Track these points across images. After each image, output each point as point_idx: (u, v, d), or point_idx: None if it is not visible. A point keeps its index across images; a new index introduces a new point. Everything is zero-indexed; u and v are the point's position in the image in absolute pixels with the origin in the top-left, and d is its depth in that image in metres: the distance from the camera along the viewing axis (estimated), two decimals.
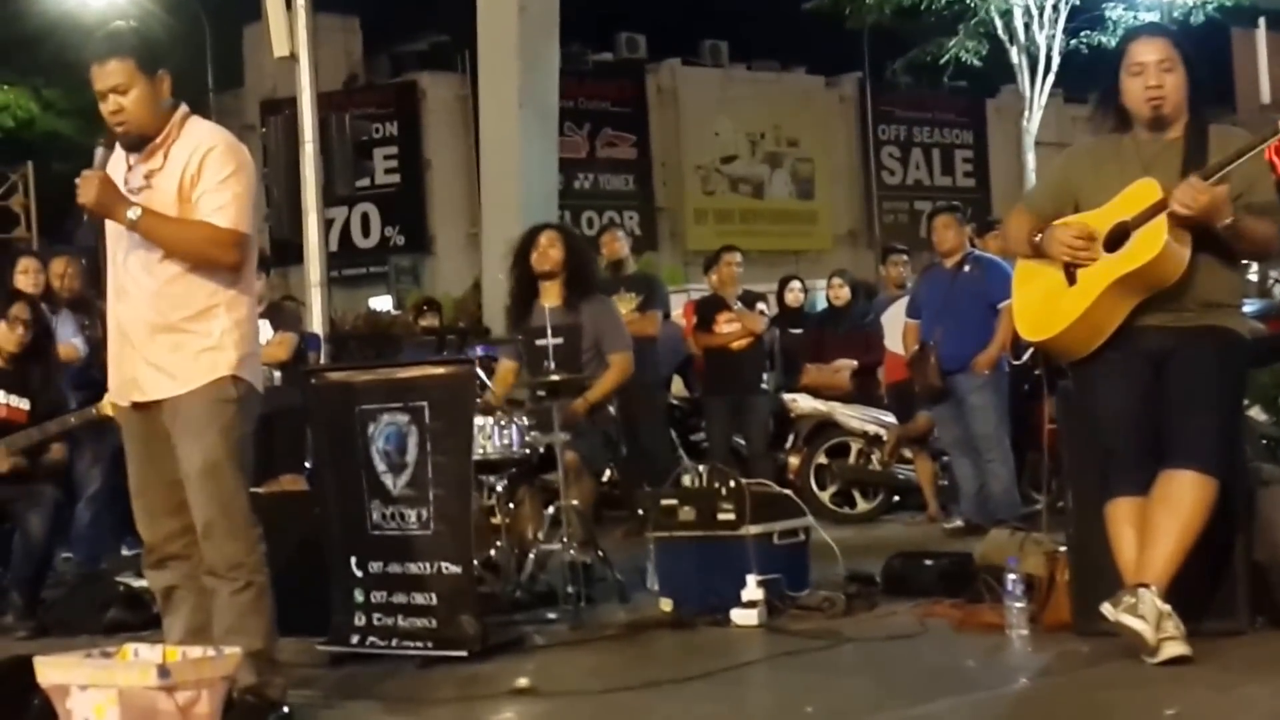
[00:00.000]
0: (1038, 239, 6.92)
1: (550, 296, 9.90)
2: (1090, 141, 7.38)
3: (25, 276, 11.85)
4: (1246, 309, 8.37)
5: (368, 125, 39.86)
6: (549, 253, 9.97)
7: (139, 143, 6.29)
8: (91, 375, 11.08)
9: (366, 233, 39.51)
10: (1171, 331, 6.71)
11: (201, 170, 6.22)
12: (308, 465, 9.48)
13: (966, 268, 12.28)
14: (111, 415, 7.39)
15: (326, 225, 15.99)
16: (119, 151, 6.35)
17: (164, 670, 4.66)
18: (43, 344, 10.46)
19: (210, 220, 6.19)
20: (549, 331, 9.49)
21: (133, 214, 6.15)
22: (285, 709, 6.30)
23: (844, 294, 15.90)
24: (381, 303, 33.78)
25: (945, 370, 12.23)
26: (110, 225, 6.37)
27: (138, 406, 6.43)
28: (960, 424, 12.31)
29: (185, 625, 6.38)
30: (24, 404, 9.98)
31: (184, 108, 6.41)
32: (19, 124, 38.44)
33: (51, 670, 4.90)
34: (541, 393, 9.23)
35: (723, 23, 42.88)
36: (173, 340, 6.28)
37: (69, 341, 11.87)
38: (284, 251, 21.43)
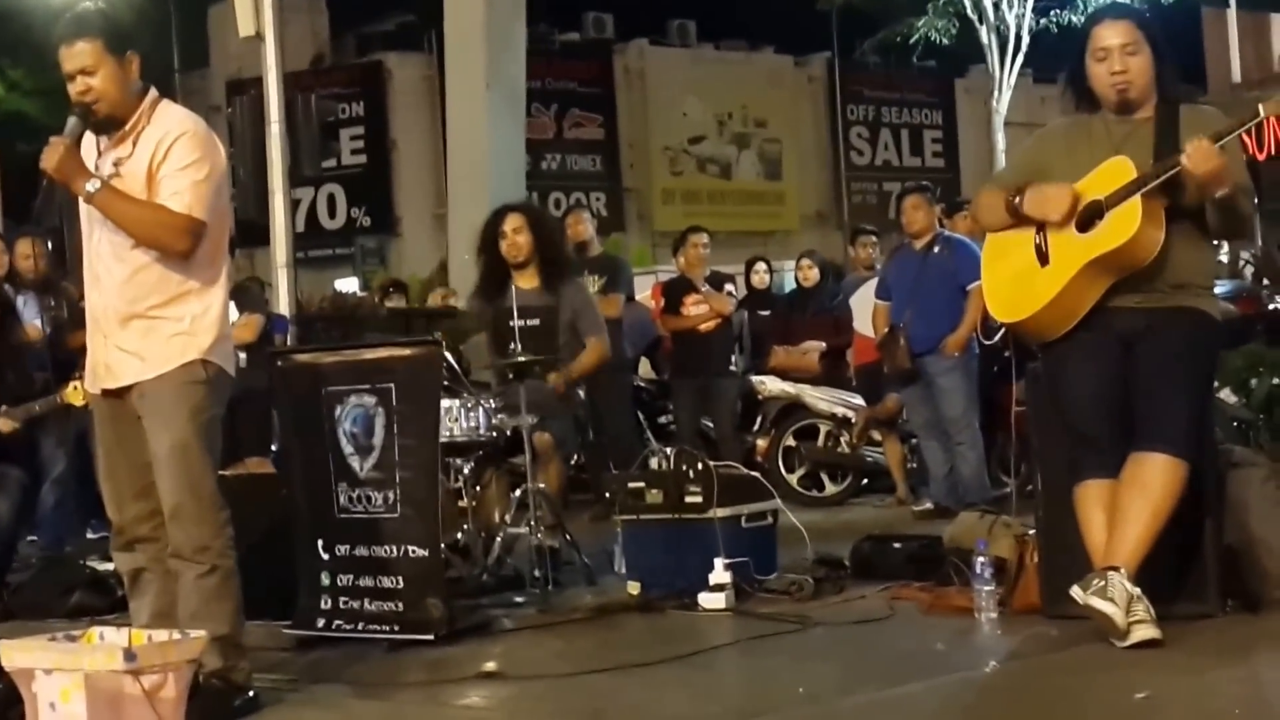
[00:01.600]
0: (1017, 200, 6.89)
1: (526, 279, 9.90)
2: (1062, 122, 7.40)
3: None
4: (1218, 290, 8.39)
5: (334, 106, 39.81)
6: (517, 241, 9.99)
7: (108, 125, 6.32)
8: (55, 357, 11.08)
9: (333, 214, 39.48)
10: (1143, 312, 6.73)
11: (168, 155, 6.26)
12: (274, 448, 9.46)
13: (936, 249, 12.30)
14: (74, 402, 7.40)
15: (293, 206, 15.99)
16: (90, 138, 6.38)
17: (130, 654, 4.67)
18: (6, 326, 10.46)
19: (166, 204, 6.22)
20: (520, 313, 9.46)
21: (91, 185, 6.19)
22: (251, 693, 6.31)
23: (812, 275, 15.93)
24: (348, 284, 33.76)
25: (915, 352, 12.26)
26: (83, 210, 6.40)
27: (108, 393, 6.45)
28: (929, 406, 12.33)
29: (152, 608, 6.40)
30: None
31: (154, 92, 6.45)
32: None
33: (16, 654, 4.90)
34: (510, 374, 9.23)
35: (691, 2, 42.95)
36: (144, 325, 6.33)
37: (33, 323, 11.87)
38: (250, 232, 21.36)
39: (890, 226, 19.34)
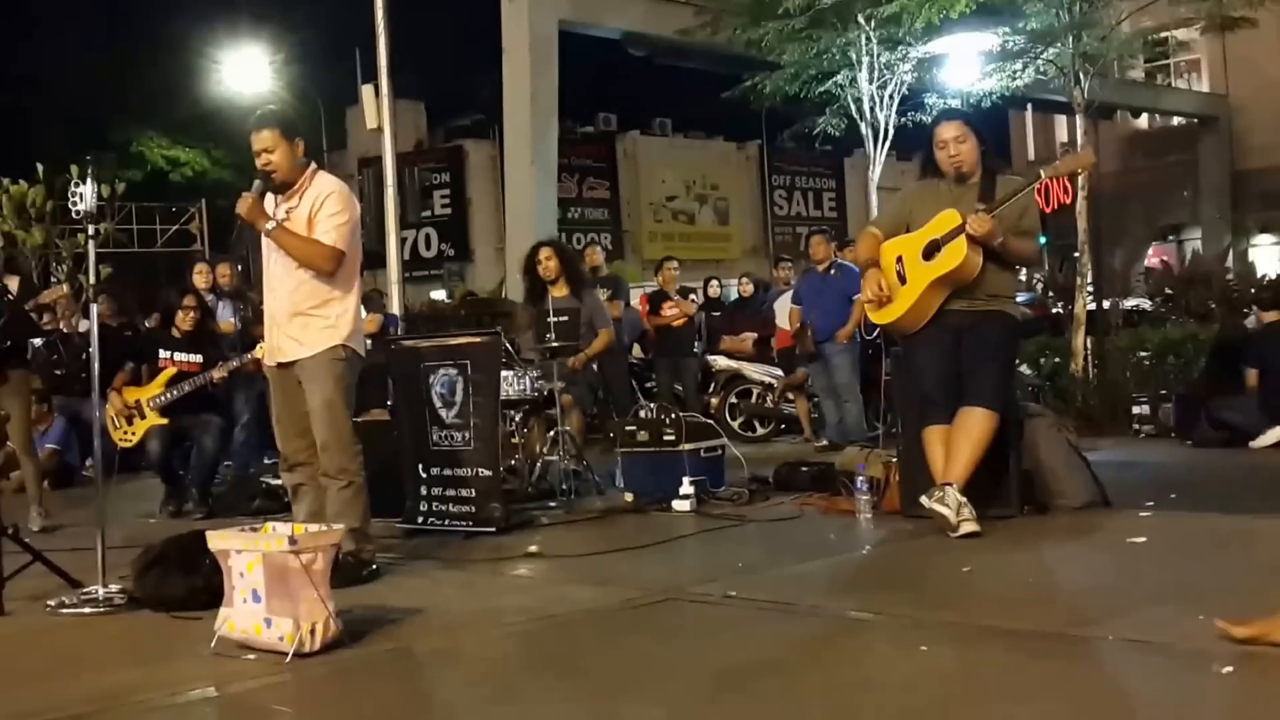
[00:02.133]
0: (868, 272, 7.05)
1: (558, 290, 9.89)
2: (916, 184, 7.40)
3: (199, 276, 11.87)
4: (1019, 299, 8.42)
5: (430, 175, 39.90)
6: (548, 265, 9.95)
7: (281, 188, 6.38)
8: (244, 342, 11.08)
9: (429, 247, 39.36)
10: (968, 313, 6.77)
11: (322, 207, 6.35)
12: (389, 403, 9.44)
13: (832, 271, 12.30)
14: (261, 363, 7.38)
15: (401, 242, 15.90)
16: (270, 196, 6.43)
17: (293, 539, 4.65)
18: (206, 321, 10.48)
19: (321, 240, 6.28)
20: (554, 313, 9.45)
21: (269, 225, 6.33)
22: (374, 566, 6.34)
23: (748, 289, 15.99)
24: (438, 294, 33.63)
25: (816, 340, 12.27)
26: (264, 243, 6.44)
27: (280, 366, 6.48)
28: (826, 376, 12.34)
29: (307, 510, 6.43)
30: (196, 359, 9.97)
31: (313, 164, 6.55)
32: (196, 174, 38.30)
33: (218, 540, 4.88)
34: (546, 355, 9.24)
35: (667, 105, 42.82)
36: (303, 321, 6.39)
37: (228, 320, 11.88)
38: (372, 259, 21.36)
39: (800, 256, 19.29)
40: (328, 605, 4.69)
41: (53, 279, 16.10)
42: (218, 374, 9.75)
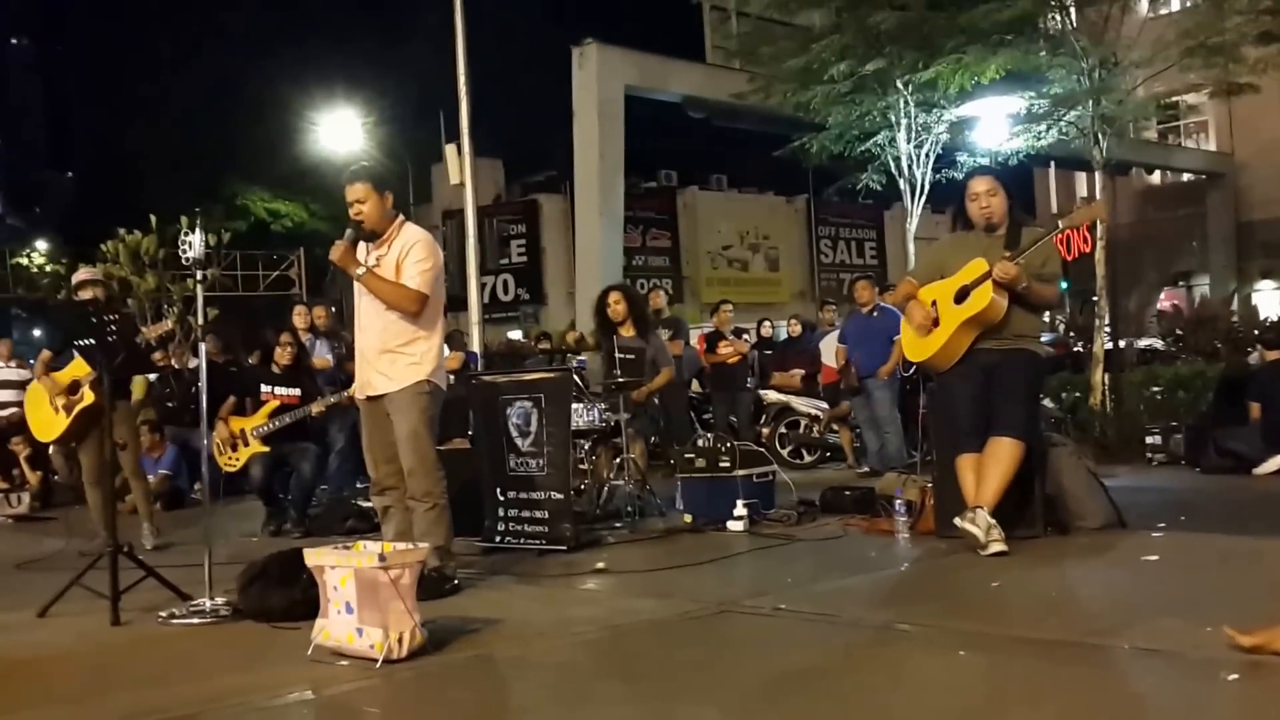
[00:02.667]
0: (904, 307, 7.10)
1: (625, 330, 9.90)
2: (950, 236, 7.38)
3: (298, 317, 12.02)
4: (1043, 338, 8.39)
5: (507, 226, 40.06)
6: (616, 308, 9.95)
7: (371, 236, 6.43)
8: (338, 378, 11.19)
9: (506, 291, 39.44)
10: (997, 351, 6.76)
11: (408, 254, 6.39)
12: (470, 433, 9.48)
13: (875, 314, 12.26)
14: (352, 401, 7.45)
15: (481, 287, 15.98)
16: (362, 245, 6.47)
17: (383, 556, 4.68)
18: (303, 358, 10.60)
19: (407, 284, 6.32)
20: (621, 351, 9.46)
21: (359, 271, 6.38)
22: (456, 581, 6.35)
23: (797, 329, 15.92)
24: (515, 334, 33.76)
25: (860, 376, 12.25)
26: (355, 287, 6.49)
27: (370, 399, 6.52)
28: (868, 409, 12.30)
29: (395, 531, 6.46)
30: (295, 392, 10.08)
31: (401, 216, 6.58)
32: (295, 225, 38.75)
33: (314, 556, 4.92)
34: (614, 387, 9.25)
35: (723, 163, 42.91)
36: (391, 357, 6.43)
37: (323, 356, 12.00)
38: (455, 303, 21.48)
39: (844, 300, 19.21)
40: (414, 616, 4.71)
41: (165, 319, 16.26)
42: (317, 409, 9.84)
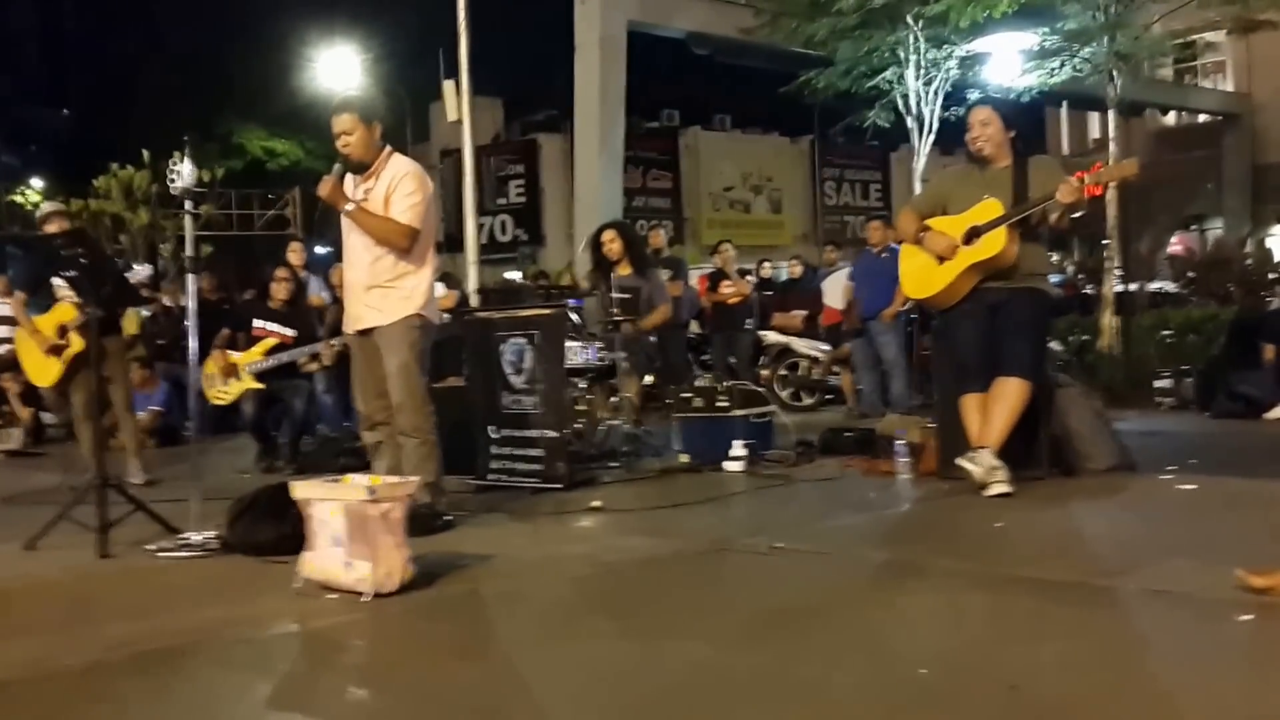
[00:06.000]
0: (922, 236, 6.88)
1: (623, 268, 9.83)
2: (954, 169, 7.35)
3: (294, 254, 11.99)
4: (1052, 279, 8.33)
5: (506, 165, 39.89)
6: (611, 246, 9.88)
7: (360, 168, 6.36)
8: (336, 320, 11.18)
9: (504, 232, 39.34)
10: (1005, 290, 6.70)
11: (397, 187, 6.33)
12: (464, 370, 9.44)
13: (884, 254, 12.18)
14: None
15: (479, 227, 15.92)
16: (350, 178, 6.40)
17: (372, 490, 4.65)
18: (299, 297, 10.56)
19: (397, 219, 6.27)
20: (618, 290, 9.39)
21: (348, 206, 6.34)
22: (447, 517, 6.34)
23: (798, 270, 15.90)
24: (513, 275, 33.69)
25: (863, 317, 12.22)
26: (344, 222, 6.43)
27: (359, 333, 6.49)
28: (867, 350, 12.29)
29: (386, 466, 6.43)
30: (291, 332, 10.03)
31: (389, 148, 6.51)
32: (291, 163, 38.61)
33: (301, 490, 4.89)
34: (609, 327, 9.21)
35: (727, 103, 42.70)
36: (381, 292, 6.40)
37: (319, 295, 11.96)
38: (453, 242, 21.46)
39: (848, 243, 19.13)
40: (403, 550, 4.69)
41: (159, 257, 16.25)
42: (328, 356, 9.79)
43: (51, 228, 8.71)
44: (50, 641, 4.23)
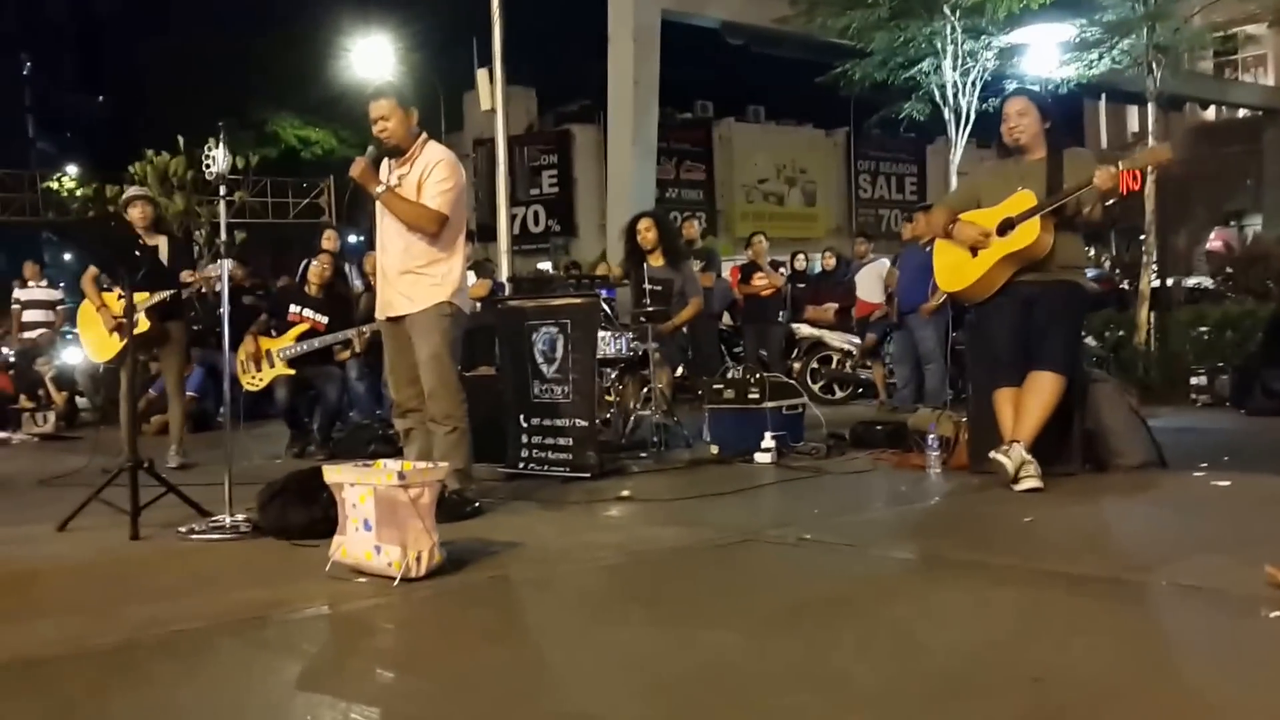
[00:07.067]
0: (951, 228, 6.86)
1: (655, 259, 9.85)
2: (988, 163, 7.31)
3: (328, 241, 12.04)
4: (1089, 274, 8.30)
5: (539, 155, 39.92)
6: (646, 235, 9.90)
7: (395, 152, 6.40)
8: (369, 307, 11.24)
9: (537, 223, 39.39)
10: (1039, 284, 6.66)
11: (430, 173, 6.37)
12: (496, 359, 9.49)
13: (928, 248, 12.14)
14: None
15: (511, 218, 15.97)
16: (385, 163, 6.44)
17: (402, 475, 4.68)
18: (337, 284, 10.65)
19: (427, 204, 6.30)
20: (650, 281, 9.40)
21: (379, 189, 6.40)
22: (477, 504, 6.37)
23: (831, 262, 15.91)
24: (545, 265, 33.74)
25: (901, 310, 12.22)
26: (377, 208, 6.48)
27: (391, 319, 6.53)
28: (904, 343, 12.28)
29: (417, 452, 6.49)
30: (324, 319, 10.10)
31: (424, 135, 6.57)
32: (325, 152, 38.73)
33: (333, 474, 4.93)
34: (642, 318, 9.22)
35: (761, 94, 42.62)
36: (412, 278, 6.43)
37: (354, 283, 12.05)
38: (485, 232, 21.50)
39: (882, 236, 19.06)
40: (433, 536, 4.72)
41: (194, 243, 16.35)
42: (359, 344, 9.87)
43: (135, 212, 9.01)
44: (82, 621, 4.28)
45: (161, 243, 9.33)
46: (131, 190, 9.79)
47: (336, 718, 3.22)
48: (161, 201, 17.47)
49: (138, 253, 6.78)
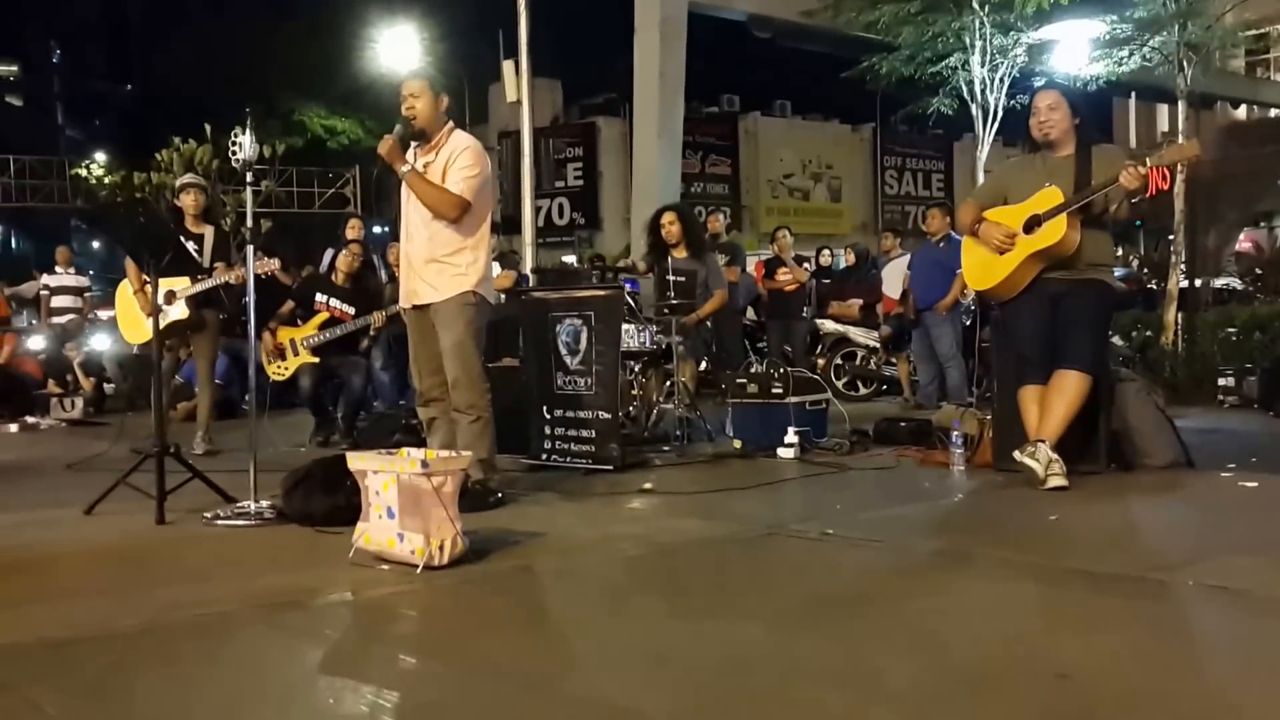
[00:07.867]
0: (977, 228, 6.85)
1: (679, 252, 9.86)
2: (1015, 159, 7.28)
3: (353, 230, 12.07)
4: (1116, 273, 8.25)
5: (564, 148, 39.96)
6: (670, 229, 9.92)
7: (421, 136, 6.43)
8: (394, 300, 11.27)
9: (561, 215, 39.47)
10: (1066, 282, 6.64)
11: (456, 160, 6.38)
12: (520, 350, 9.50)
13: (942, 244, 12.13)
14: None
15: (536, 210, 15.96)
16: (412, 148, 6.45)
17: (425, 463, 4.69)
18: (366, 274, 10.68)
19: (450, 189, 6.33)
20: (674, 274, 9.41)
21: (404, 168, 6.41)
22: (500, 494, 6.39)
23: (852, 258, 15.87)
24: (569, 258, 33.78)
25: (917, 308, 12.19)
26: (402, 194, 6.49)
27: (415, 308, 6.55)
28: (926, 343, 12.25)
29: (440, 442, 6.51)
30: (350, 309, 10.13)
31: (451, 123, 6.56)
32: (351, 142, 38.82)
33: (357, 461, 4.95)
34: (666, 310, 9.23)
35: (787, 88, 42.55)
36: (437, 267, 6.43)
37: (379, 273, 12.10)
38: (510, 224, 21.54)
39: (907, 232, 18.97)
40: (456, 524, 4.73)
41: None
42: (378, 322, 9.90)
43: (188, 199, 9.28)
44: (108, 603, 4.30)
45: (208, 232, 9.42)
46: (186, 177, 9.93)
47: (358, 701, 3.24)
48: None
49: (165, 240, 6.80)
